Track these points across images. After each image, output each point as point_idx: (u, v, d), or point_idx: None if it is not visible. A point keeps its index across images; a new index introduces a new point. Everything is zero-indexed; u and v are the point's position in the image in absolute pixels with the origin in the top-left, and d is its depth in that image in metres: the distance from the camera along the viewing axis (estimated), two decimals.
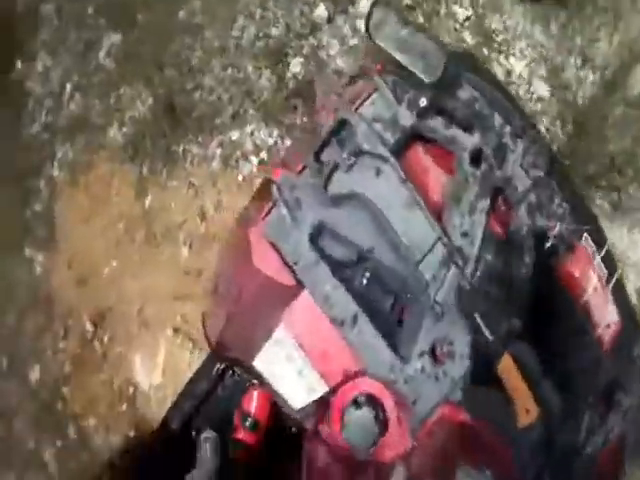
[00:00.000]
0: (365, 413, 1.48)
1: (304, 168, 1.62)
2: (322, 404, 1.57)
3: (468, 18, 3.69)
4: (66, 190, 3.95)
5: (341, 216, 1.60)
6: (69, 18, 4.42)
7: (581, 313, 1.72)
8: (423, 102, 1.65)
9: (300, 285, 1.54)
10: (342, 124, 1.64)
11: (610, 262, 1.86)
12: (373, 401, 1.49)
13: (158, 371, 3.40)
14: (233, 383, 2.00)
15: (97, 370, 3.58)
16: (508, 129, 1.72)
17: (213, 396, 2.02)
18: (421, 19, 3.68)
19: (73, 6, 4.44)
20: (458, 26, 3.67)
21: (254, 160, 3.52)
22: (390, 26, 1.63)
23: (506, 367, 1.52)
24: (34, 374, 3.76)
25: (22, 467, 3.68)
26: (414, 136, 1.73)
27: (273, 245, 1.54)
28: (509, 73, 3.57)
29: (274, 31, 3.84)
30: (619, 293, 1.92)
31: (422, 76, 1.60)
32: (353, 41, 3.71)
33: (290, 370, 1.54)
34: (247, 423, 1.85)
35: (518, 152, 1.72)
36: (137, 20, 4.19)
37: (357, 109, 1.68)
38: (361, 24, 3.66)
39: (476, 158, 1.68)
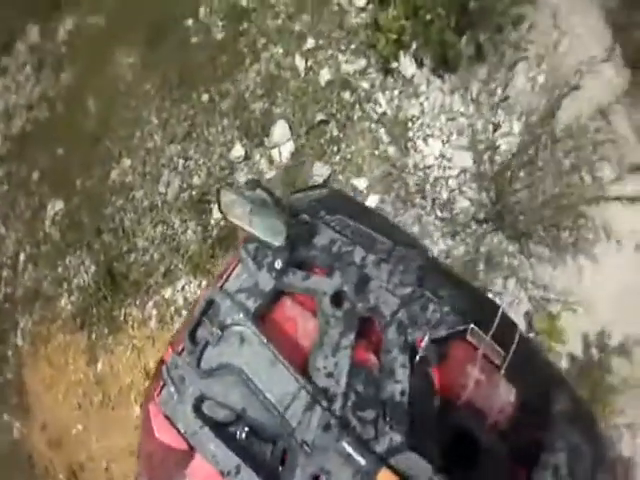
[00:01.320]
0: None
1: (184, 348, 1.93)
2: None
3: (384, 114, 4.15)
4: (30, 359, 4.75)
5: (216, 385, 1.85)
6: (17, 184, 5.27)
7: (461, 413, 1.80)
8: (279, 264, 1.90)
9: (193, 448, 1.80)
10: (210, 303, 1.94)
11: (508, 333, 1.95)
12: None
13: None
14: None
15: None
16: (371, 258, 1.92)
17: None
18: (335, 132, 4.20)
19: (20, 171, 5.32)
20: (373, 125, 4.13)
21: (185, 315, 4.14)
22: (238, 205, 1.93)
23: None
24: None
25: None
26: (281, 293, 1.95)
27: (167, 417, 1.85)
28: (426, 155, 3.92)
29: (196, 180, 4.49)
30: (527, 361, 2.03)
31: (271, 242, 1.88)
32: (270, 174, 4.28)
33: None
34: None
35: (382, 278, 1.89)
36: (76, 186, 4.98)
37: (224, 284, 1.99)
38: (276, 154, 4.28)
39: (338, 299, 1.85)
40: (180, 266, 4.37)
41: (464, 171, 3.85)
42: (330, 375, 1.78)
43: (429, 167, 3.94)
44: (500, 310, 1.93)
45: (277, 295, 1.95)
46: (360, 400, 1.76)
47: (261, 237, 1.92)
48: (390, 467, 1.67)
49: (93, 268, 4.71)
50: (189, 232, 4.43)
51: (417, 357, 1.80)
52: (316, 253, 1.95)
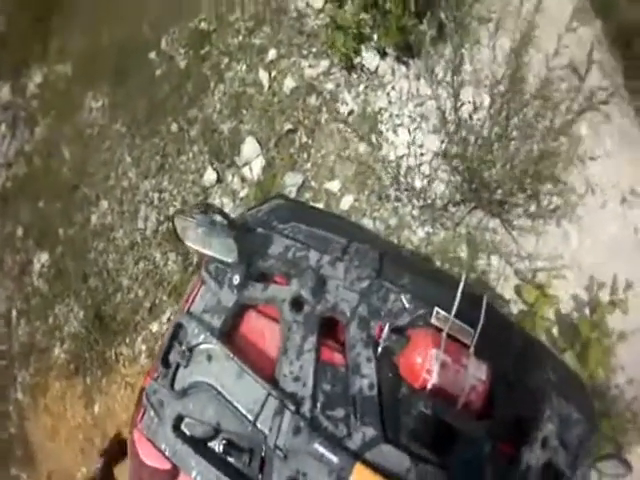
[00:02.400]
0: None
1: (160, 374, 2.11)
2: None
3: (351, 112, 4.38)
4: (31, 412, 5.09)
5: (191, 404, 2.02)
6: (3, 242, 5.66)
7: (429, 400, 1.85)
8: (237, 280, 2.05)
9: (176, 467, 1.97)
10: (178, 327, 2.11)
11: (477, 312, 1.99)
12: None
13: None
14: None
15: None
16: (326, 259, 2.05)
17: None
18: (304, 139, 4.44)
19: (4, 229, 5.72)
20: (342, 125, 4.35)
21: None
22: (191, 230, 2.10)
23: (358, 476, 1.77)
24: None
25: None
26: (246, 306, 2.11)
27: (150, 441, 2.03)
28: (397, 146, 4.14)
29: (172, 211, 4.77)
30: (498, 334, 2.07)
31: (225, 259, 2.05)
32: (243, 192, 4.54)
33: None
34: None
35: (339, 276, 2.01)
36: (59, 236, 5.34)
37: (190, 307, 2.18)
38: (247, 171, 4.54)
39: (297, 304, 1.99)
40: (164, 298, 4.64)
41: (437, 155, 4.04)
42: (297, 379, 1.92)
43: (401, 157, 4.14)
44: (461, 286, 1.96)
45: (241, 309, 2.11)
46: (329, 400, 1.90)
47: (216, 256, 2.09)
48: (365, 462, 1.79)
49: (82, 314, 5.03)
50: (170, 263, 4.71)
51: (379, 349, 1.92)
52: (273, 262, 2.10)
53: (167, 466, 1.98)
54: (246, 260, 2.07)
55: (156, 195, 4.98)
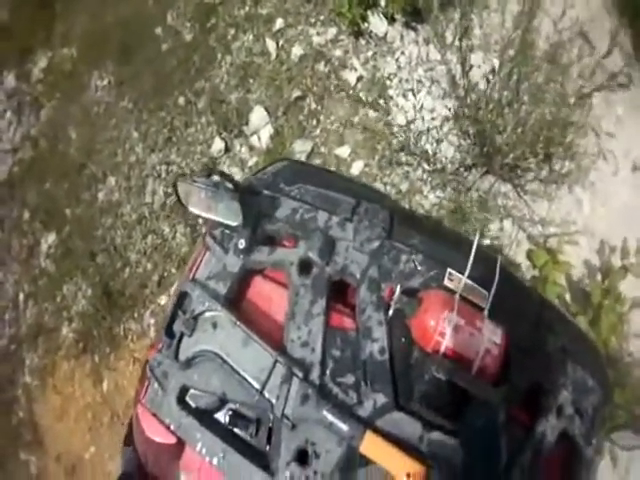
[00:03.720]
0: None
1: (163, 345, 2.12)
2: None
3: (360, 78, 4.54)
4: (39, 394, 5.28)
5: (196, 374, 2.04)
6: (10, 228, 5.88)
7: (443, 363, 1.83)
8: (242, 244, 2.06)
9: (181, 441, 1.99)
10: (182, 296, 2.10)
11: (490, 274, 1.99)
12: None
13: None
14: None
15: None
16: (334, 220, 2.07)
17: None
18: (313, 105, 4.60)
19: (12, 215, 5.93)
20: (351, 92, 4.51)
21: None
22: (194, 194, 2.11)
23: (368, 444, 1.77)
24: None
25: None
26: (252, 272, 2.12)
27: (155, 415, 2.04)
28: (407, 110, 4.30)
29: None
30: (513, 297, 2.09)
31: (230, 223, 2.04)
32: (252, 161, 4.70)
33: None
34: None
35: (348, 237, 2.03)
36: (66, 216, 5.54)
37: (194, 274, 2.17)
38: (256, 140, 4.70)
39: (305, 267, 2.00)
40: (173, 270, 4.79)
41: (447, 119, 4.19)
42: (305, 345, 1.94)
43: (411, 122, 4.28)
44: (474, 247, 1.94)
45: (247, 275, 2.13)
46: (338, 366, 1.92)
47: (221, 220, 2.08)
48: (376, 430, 1.80)
49: (89, 291, 5.20)
50: (178, 236, 4.88)
51: (390, 312, 1.93)
52: (279, 225, 2.12)
53: (172, 440, 2.01)
54: (252, 223, 2.08)
55: (164, 168, 5.16)
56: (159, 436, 2.03)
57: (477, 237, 2.04)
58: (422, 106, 4.33)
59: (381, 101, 4.44)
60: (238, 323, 1.97)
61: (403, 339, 1.93)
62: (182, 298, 2.12)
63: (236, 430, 1.99)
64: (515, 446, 1.94)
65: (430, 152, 4.16)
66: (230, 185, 2.06)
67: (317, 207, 2.11)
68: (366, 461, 1.80)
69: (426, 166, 4.16)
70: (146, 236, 5.08)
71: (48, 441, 5.24)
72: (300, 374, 1.88)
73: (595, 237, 3.77)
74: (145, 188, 5.20)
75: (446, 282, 1.99)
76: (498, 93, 3.77)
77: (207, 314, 2.05)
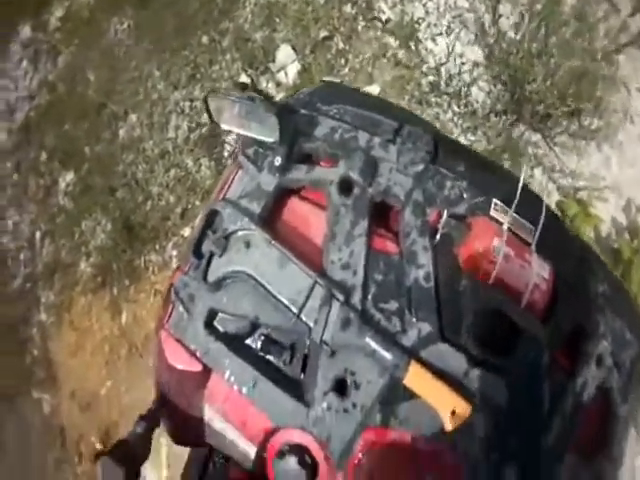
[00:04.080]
0: (289, 461, 1.74)
1: (190, 266, 1.98)
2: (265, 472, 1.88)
3: (388, 20, 4.52)
4: (54, 330, 5.25)
5: (226, 297, 1.91)
6: (27, 170, 5.85)
7: (492, 292, 1.79)
8: (278, 161, 1.94)
9: (208, 368, 1.87)
10: (211, 215, 2.00)
11: (536, 209, 1.96)
12: (297, 448, 1.75)
13: (164, 466, 4.34)
14: (221, 459, 2.43)
15: None
16: (376, 140, 1.96)
17: (206, 476, 2.45)
18: (341, 45, 4.57)
19: (28, 158, 5.90)
20: (379, 33, 4.48)
21: None
22: (227, 109, 1.99)
23: (413, 376, 1.68)
24: None
25: None
26: (288, 192, 2.02)
27: (179, 341, 1.91)
28: (437, 54, 4.28)
29: (205, 118, 4.89)
30: (557, 237, 2.04)
31: (265, 139, 1.94)
32: (279, 97, 4.58)
33: (228, 440, 1.92)
34: None
35: (391, 158, 1.93)
36: (85, 154, 5.52)
37: (225, 194, 2.02)
38: (282, 76, 4.66)
39: (345, 187, 1.89)
40: (197, 203, 4.77)
41: (477, 65, 4.18)
42: (346, 266, 1.83)
43: (441, 64, 4.27)
44: (521, 182, 1.89)
45: (283, 194, 2.00)
46: (381, 290, 1.81)
47: (255, 136, 1.98)
48: (420, 361, 1.70)
49: (109, 226, 5.18)
50: (203, 169, 4.85)
51: (437, 236, 1.83)
52: (318, 144, 1.99)
53: (197, 368, 1.89)
54: (289, 141, 1.96)
55: (187, 104, 5.13)
56: (183, 363, 1.91)
57: (524, 170, 2.04)
58: (452, 50, 4.31)
59: (411, 43, 4.41)
60: (274, 242, 1.86)
61: (450, 267, 1.83)
62: (212, 217, 1.98)
63: (268, 357, 1.87)
64: (557, 391, 1.86)
65: (461, 95, 4.16)
66: (263, 99, 1.95)
67: (357, 127, 1.99)
68: (409, 395, 1.71)
69: (456, 109, 4.15)
70: (169, 170, 5.06)
71: (62, 378, 5.21)
72: (341, 297, 1.77)
73: (622, 196, 3.77)
74: (168, 124, 5.18)
75: (492, 212, 1.88)
76: (527, 44, 3.80)
77: (240, 233, 1.93)
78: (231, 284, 1.91)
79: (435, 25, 4.37)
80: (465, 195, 1.90)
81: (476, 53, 4.14)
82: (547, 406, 1.82)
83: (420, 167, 1.90)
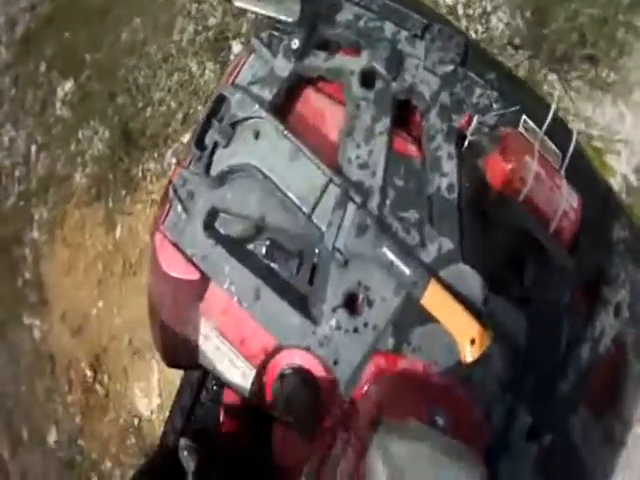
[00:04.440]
0: (290, 383, 1.65)
1: (191, 159, 1.81)
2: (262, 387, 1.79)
3: None
4: (47, 249, 4.99)
5: (229, 193, 1.77)
6: (25, 83, 5.59)
7: (522, 211, 1.71)
8: (295, 44, 1.78)
9: (206, 276, 1.75)
10: (218, 101, 1.81)
11: (563, 139, 1.86)
12: (300, 370, 1.67)
13: (155, 394, 4.16)
14: (214, 385, 2.42)
15: (104, 413, 4.43)
16: (403, 34, 1.84)
17: (198, 403, 2.44)
18: None
19: (27, 70, 5.63)
20: None
21: None
22: None
23: (432, 296, 1.57)
24: (51, 436, 4.81)
25: None
26: (303, 82, 1.88)
27: (175, 245, 1.74)
28: None
29: (212, 21, 4.70)
30: (583, 172, 1.96)
31: (284, 18, 1.77)
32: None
33: (223, 361, 1.80)
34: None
35: (419, 55, 1.80)
36: (86, 61, 5.25)
37: (234, 79, 1.85)
38: None
39: (367, 79, 1.77)
40: (199, 107, 4.47)
41: None
42: (364, 166, 1.69)
43: None
44: (553, 107, 1.81)
45: (298, 84, 1.85)
46: (401, 197, 1.68)
47: (272, 14, 1.81)
48: (440, 280, 1.59)
49: (107, 134, 4.89)
50: (207, 73, 4.55)
51: (465, 143, 1.73)
52: (340, 31, 1.84)
53: (195, 276, 1.74)
54: (308, 23, 1.79)
55: (194, 6, 4.84)
56: (179, 271, 1.75)
57: (556, 95, 2.04)
58: None
59: None
60: (286, 132, 1.67)
61: (476, 179, 1.72)
62: (218, 104, 1.77)
63: (273, 265, 1.72)
64: (576, 336, 1.78)
65: (480, 21, 4.02)
66: None
67: (384, 18, 1.84)
68: (425, 319, 1.57)
69: (473, 35, 3.95)
70: (172, 74, 4.77)
71: (53, 299, 4.95)
72: (358, 199, 1.62)
73: (635, 156, 3.57)
74: (173, 27, 4.90)
75: (521, 129, 1.77)
76: None
77: (248, 121, 1.73)
78: (236, 179, 1.76)
79: None
80: (495, 105, 1.80)
81: None
82: (564, 350, 1.76)
83: (449, 68, 1.79)
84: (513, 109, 1.77)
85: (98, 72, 5.15)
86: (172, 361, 2.09)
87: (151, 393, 4.22)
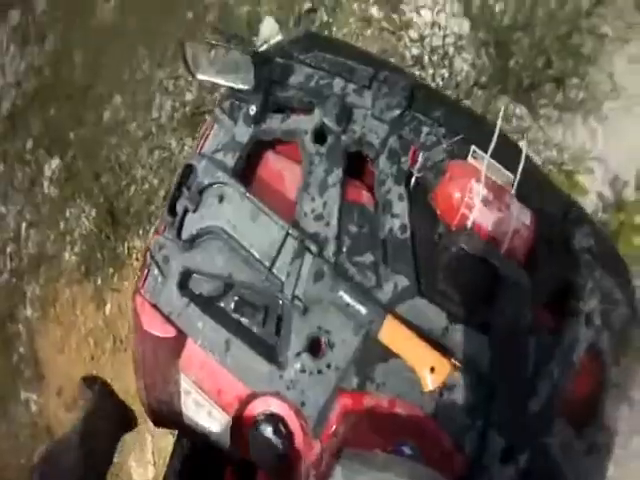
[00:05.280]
0: (264, 431, 1.76)
1: (165, 226, 1.99)
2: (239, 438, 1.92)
3: None
4: (40, 326, 5.20)
5: (199, 255, 1.92)
6: (13, 160, 5.81)
7: (472, 237, 1.74)
8: (252, 110, 1.95)
9: (182, 333, 1.87)
10: (187, 170, 2.00)
11: (515, 159, 1.91)
12: (272, 418, 1.77)
13: (150, 465, 4.35)
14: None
15: None
16: (351, 87, 1.97)
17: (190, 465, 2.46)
18: (325, 17, 4.50)
19: (15, 147, 5.85)
20: (363, 5, 4.42)
21: None
22: (203, 56, 1.99)
23: (389, 330, 1.66)
24: None
25: None
26: (262, 146, 2.02)
27: (154, 306, 1.90)
28: (421, 26, 4.25)
29: (188, 96, 4.91)
30: (538, 187, 2.02)
31: (241, 87, 1.92)
32: None
33: (203, 414, 1.92)
34: None
35: (366, 104, 1.94)
36: (70, 139, 5.46)
37: (201, 149, 2.04)
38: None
39: (319, 136, 1.91)
40: None
41: (461, 37, 4.16)
42: (319, 218, 1.83)
43: (425, 38, 4.24)
44: (498, 128, 1.87)
45: (258, 148, 2.02)
46: (355, 243, 1.82)
47: (230, 84, 1.98)
48: (397, 316, 1.70)
49: (94, 213, 5.09)
50: (186, 149, 4.75)
51: (412, 179, 1.84)
52: (293, 93, 2.01)
53: (172, 333, 1.91)
54: (264, 89, 1.97)
55: (171, 82, 5.05)
56: (158, 329, 1.92)
57: (502, 113, 2.08)
58: (436, 23, 4.30)
59: (394, 16, 4.37)
60: (247, 194, 1.85)
61: (426, 215, 1.83)
62: (187, 172, 1.98)
63: (242, 320, 1.88)
64: (544, 352, 1.83)
65: (445, 66, 4.18)
66: (238, 44, 2.03)
67: (333, 74, 2.00)
68: (386, 355, 1.70)
69: (440, 82, 4.13)
70: (152, 151, 4.98)
71: (49, 375, 5.16)
72: (314, 248, 1.76)
73: (609, 170, 3.72)
74: (152, 104, 5.11)
75: (470, 160, 1.86)
76: (513, 14, 3.88)
77: (214, 187, 1.92)
78: (205, 241, 1.92)
79: None
80: (442, 141, 1.91)
81: (461, 26, 4.13)
82: (532, 367, 1.79)
83: (396, 112, 1.92)
84: (456, 138, 1.89)
85: (83, 151, 5.34)
86: (158, 419, 2.16)
87: (146, 463, 4.40)
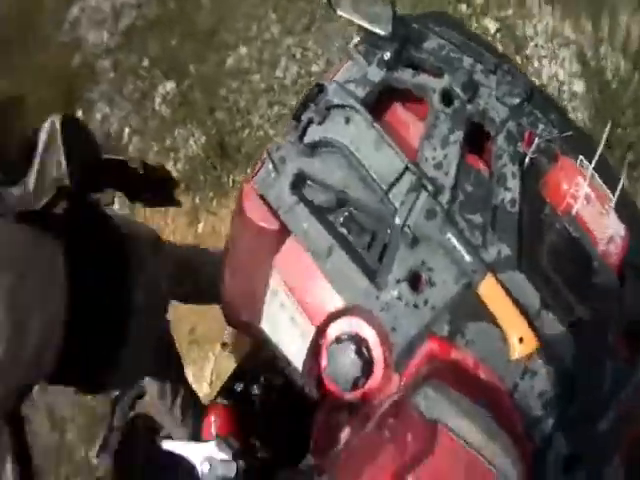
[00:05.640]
0: (346, 348, 1.72)
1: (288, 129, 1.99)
2: (317, 360, 1.85)
3: (499, 30, 4.96)
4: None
5: (317, 163, 1.90)
6: (125, 71, 6.11)
7: (575, 221, 1.79)
8: (387, 55, 1.95)
9: (285, 229, 1.85)
10: (316, 88, 1.97)
11: (610, 179, 1.94)
12: (357, 338, 1.74)
13: (206, 383, 4.69)
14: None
15: None
16: (479, 67, 2.01)
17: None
18: None
19: (129, 60, 6.17)
20: (490, 39, 4.83)
21: None
22: None
23: (488, 287, 1.64)
24: None
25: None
26: (390, 95, 2.02)
27: (262, 197, 1.89)
28: (540, 76, 4.73)
29: (314, 68, 5.36)
30: (627, 207, 1.98)
31: (378, 31, 1.93)
32: None
33: (284, 318, 1.89)
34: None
35: (491, 86, 1.97)
36: (189, 70, 5.82)
37: (332, 78, 2.02)
38: None
39: (447, 98, 1.93)
40: None
41: (575, 95, 4.65)
42: (439, 166, 1.84)
43: (543, 86, 4.65)
44: (600, 148, 1.90)
45: (387, 95, 2.03)
46: (468, 200, 1.82)
47: (368, 26, 1.98)
48: (497, 279, 1.66)
49: (203, 139, 5.48)
50: None
51: (526, 160, 1.87)
52: (425, 56, 2.04)
53: (275, 226, 1.86)
54: (400, 40, 1.98)
55: (299, 51, 5.50)
56: (261, 219, 1.88)
57: (608, 128, 2.05)
58: (554, 75, 4.81)
59: (517, 57, 4.88)
60: (374, 124, 1.85)
61: (534, 197, 1.87)
62: (316, 91, 1.95)
63: (349, 237, 1.86)
64: (617, 378, 1.77)
65: None
66: None
67: (463, 51, 2.06)
68: (480, 314, 1.67)
69: None
70: (272, 105, 5.40)
71: None
72: (431, 188, 1.77)
73: None
74: (277, 64, 5.53)
75: (577, 166, 1.92)
76: (626, 90, 4.31)
77: (341, 109, 1.91)
78: (325, 152, 1.91)
79: (542, 47, 4.89)
80: (556, 138, 1.96)
81: (577, 85, 4.62)
82: (608, 387, 1.74)
83: (516, 100, 1.96)
84: (568, 133, 1.94)
85: (201, 84, 5.72)
86: (233, 314, 2.14)
87: (202, 380, 4.75)
